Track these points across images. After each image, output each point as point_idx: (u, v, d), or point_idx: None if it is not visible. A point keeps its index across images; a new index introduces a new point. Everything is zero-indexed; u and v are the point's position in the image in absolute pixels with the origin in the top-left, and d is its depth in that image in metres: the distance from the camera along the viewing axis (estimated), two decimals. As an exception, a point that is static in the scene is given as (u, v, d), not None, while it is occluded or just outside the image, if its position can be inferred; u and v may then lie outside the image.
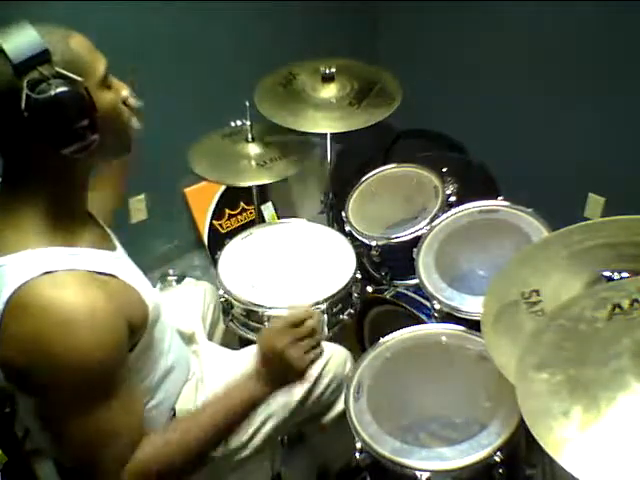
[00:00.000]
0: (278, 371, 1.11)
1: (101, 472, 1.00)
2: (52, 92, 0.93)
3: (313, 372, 1.42)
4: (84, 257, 1.03)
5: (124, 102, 1.07)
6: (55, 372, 0.93)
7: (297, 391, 1.39)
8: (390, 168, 2.01)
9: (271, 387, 1.12)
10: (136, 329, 1.07)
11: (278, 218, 2.85)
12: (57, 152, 0.98)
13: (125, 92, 1.08)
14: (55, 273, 0.96)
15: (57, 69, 0.95)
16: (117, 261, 1.12)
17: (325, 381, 1.45)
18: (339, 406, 1.49)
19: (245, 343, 1.73)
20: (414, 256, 1.65)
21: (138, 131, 1.11)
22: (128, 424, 1.02)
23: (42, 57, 0.94)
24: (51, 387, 0.95)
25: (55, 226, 1.03)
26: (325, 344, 1.53)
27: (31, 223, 1.01)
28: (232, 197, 2.82)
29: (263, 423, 1.34)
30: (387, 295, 1.81)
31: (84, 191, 1.10)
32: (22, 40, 0.93)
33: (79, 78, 0.96)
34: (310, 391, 1.42)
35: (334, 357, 1.50)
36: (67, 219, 1.05)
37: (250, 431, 1.32)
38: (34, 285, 0.94)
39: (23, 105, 0.92)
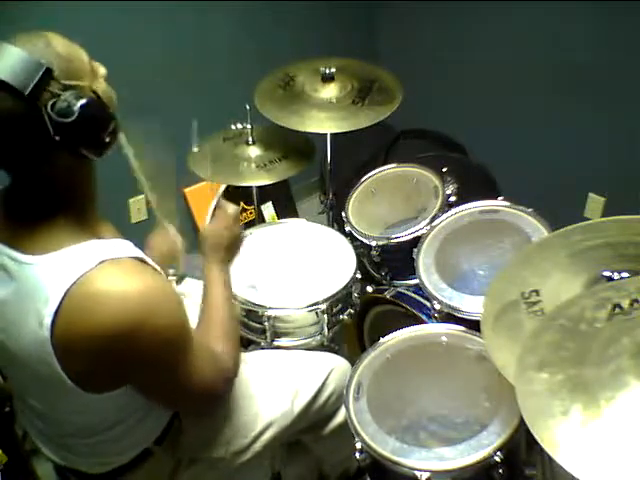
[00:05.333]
0: (231, 248, 1.42)
1: (222, 383, 1.16)
2: (75, 109, 0.89)
3: (315, 383, 1.44)
4: (118, 246, 1.03)
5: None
6: (160, 339, 0.99)
7: (299, 401, 1.40)
8: (390, 168, 2.01)
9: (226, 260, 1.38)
10: None
11: (278, 218, 2.85)
12: (87, 158, 0.97)
13: (102, 69, 1.02)
14: (109, 261, 0.96)
15: (62, 82, 0.91)
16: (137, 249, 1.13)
17: (327, 392, 1.46)
18: (339, 417, 1.49)
19: (245, 343, 1.73)
20: (414, 256, 1.65)
21: None
22: (205, 342, 1.15)
23: (47, 77, 0.89)
24: (162, 353, 1.01)
25: (85, 223, 1.04)
26: (328, 355, 1.55)
27: (64, 223, 1.01)
28: (232, 197, 2.80)
29: (264, 430, 1.34)
30: (387, 295, 1.80)
31: (96, 185, 1.10)
32: (18, 66, 0.87)
33: (83, 83, 0.94)
34: (312, 401, 1.43)
35: (336, 369, 1.50)
36: (91, 214, 1.07)
37: (251, 436, 1.32)
38: (96, 274, 0.94)
39: (52, 131, 0.89)
